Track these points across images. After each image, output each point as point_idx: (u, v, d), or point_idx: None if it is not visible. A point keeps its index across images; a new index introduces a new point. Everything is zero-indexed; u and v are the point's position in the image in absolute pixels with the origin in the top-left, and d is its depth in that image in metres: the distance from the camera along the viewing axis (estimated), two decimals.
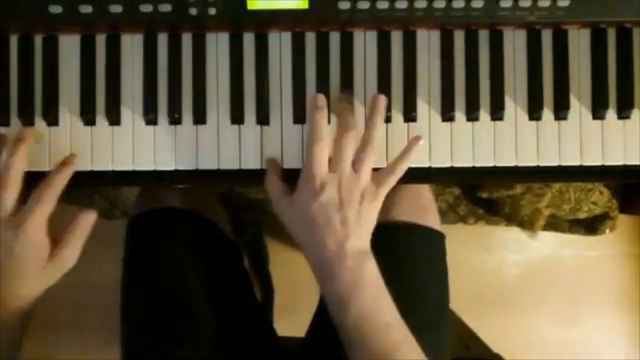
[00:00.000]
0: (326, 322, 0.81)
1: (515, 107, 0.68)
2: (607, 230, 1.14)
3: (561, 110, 0.68)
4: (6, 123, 0.68)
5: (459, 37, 0.68)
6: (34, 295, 0.65)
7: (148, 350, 0.76)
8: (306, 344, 0.82)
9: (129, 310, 0.79)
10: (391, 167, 0.65)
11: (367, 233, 0.64)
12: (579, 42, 0.69)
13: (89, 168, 0.67)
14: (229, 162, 0.68)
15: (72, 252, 0.65)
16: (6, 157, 0.62)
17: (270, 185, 0.66)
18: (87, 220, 0.66)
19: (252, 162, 0.68)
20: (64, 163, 0.66)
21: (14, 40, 0.68)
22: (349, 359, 0.63)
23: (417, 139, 0.66)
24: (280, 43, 0.68)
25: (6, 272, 0.62)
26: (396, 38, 0.68)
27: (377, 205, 0.64)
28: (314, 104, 0.64)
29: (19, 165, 0.63)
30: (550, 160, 0.68)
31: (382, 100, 0.65)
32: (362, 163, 0.63)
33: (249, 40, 0.68)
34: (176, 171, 0.68)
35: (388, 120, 0.68)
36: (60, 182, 0.64)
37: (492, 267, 1.45)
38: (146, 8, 0.64)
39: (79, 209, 0.66)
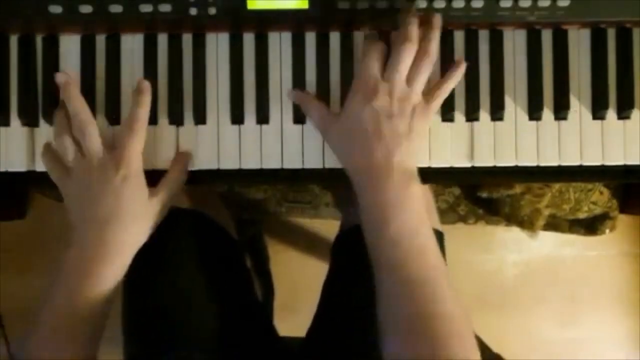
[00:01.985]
0: (327, 321, 0.82)
1: (515, 107, 0.68)
2: (607, 230, 1.14)
3: (561, 110, 0.68)
4: (6, 123, 0.68)
5: (459, 37, 0.68)
6: (138, 239, 0.65)
7: (149, 349, 0.76)
8: (307, 343, 0.82)
9: (131, 309, 0.79)
10: (440, 85, 0.64)
11: (415, 150, 0.63)
12: (579, 42, 0.69)
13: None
14: (229, 162, 0.68)
15: (171, 190, 0.66)
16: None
17: (315, 109, 0.66)
18: (183, 159, 0.67)
19: (252, 162, 0.68)
20: (139, 92, 0.65)
21: (14, 40, 0.68)
22: (377, 283, 0.61)
23: (462, 62, 0.66)
24: (280, 43, 0.68)
25: (109, 210, 0.62)
26: (396, 38, 0.68)
27: (428, 121, 0.64)
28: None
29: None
30: (550, 160, 0.68)
31: (438, 17, 0.64)
32: (417, 74, 0.62)
33: (249, 40, 0.68)
34: None
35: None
36: (143, 109, 0.64)
37: (492, 267, 1.45)
38: (146, 8, 0.64)
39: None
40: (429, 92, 0.64)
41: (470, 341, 0.58)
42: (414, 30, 0.62)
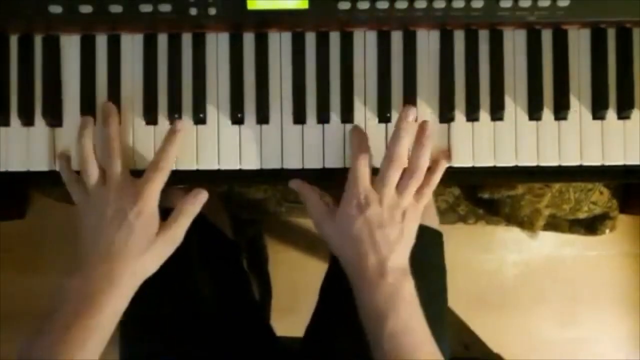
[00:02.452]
0: (324, 321, 0.82)
1: (515, 107, 0.68)
2: (607, 230, 1.14)
3: (561, 110, 0.68)
4: (6, 123, 0.68)
5: (459, 37, 0.68)
6: (144, 273, 0.65)
7: (146, 349, 0.76)
8: (305, 343, 0.82)
9: (128, 310, 0.79)
10: (427, 181, 0.66)
11: (408, 250, 0.66)
12: (579, 42, 0.69)
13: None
14: (229, 162, 0.68)
15: (180, 229, 0.66)
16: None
17: (313, 205, 0.67)
18: (199, 199, 0.67)
19: (252, 162, 0.68)
20: (173, 131, 0.66)
21: (14, 40, 0.68)
22: None
23: (445, 154, 0.67)
24: (280, 43, 0.68)
25: (118, 244, 0.62)
26: (396, 38, 0.68)
27: (418, 221, 0.67)
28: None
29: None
30: (550, 160, 0.68)
31: (428, 126, 0.65)
32: (405, 189, 0.64)
33: (249, 40, 0.68)
34: (176, 171, 0.68)
35: (388, 120, 0.68)
36: (173, 148, 0.65)
37: (492, 267, 1.45)
38: (146, 8, 0.64)
39: (188, 188, 0.67)
40: (418, 192, 0.66)
41: None
42: (403, 149, 0.64)
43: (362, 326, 0.65)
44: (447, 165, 0.67)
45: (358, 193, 0.64)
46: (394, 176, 0.64)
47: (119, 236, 0.62)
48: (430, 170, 0.66)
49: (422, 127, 0.65)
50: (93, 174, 0.64)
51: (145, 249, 0.63)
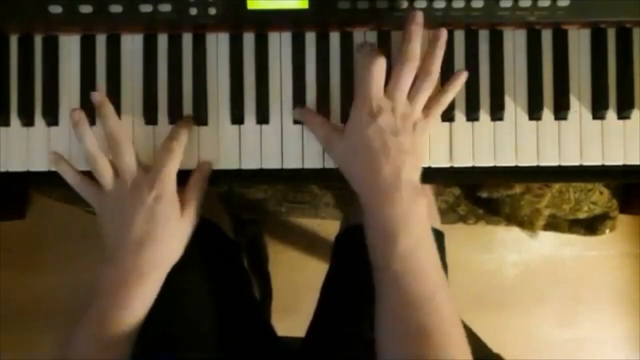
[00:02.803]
0: (325, 321, 0.82)
1: (515, 107, 0.68)
2: (607, 230, 1.14)
3: (561, 110, 0.68)
4: (6, 123, 0.68)
5: (459, 37, 0.68)
6: (172, 257, 0.65)
7: (146, 350, 0.76)
8: (306, 343, 0.82)
9: None
10: (437, 99, 0.65)
11: (420, 164, 0.64)
12: (579, 42, 0.69)
13: (88, 168, 0.67)
14: (229, 162, 0.68)
15: (198, 204, 0.66)
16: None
17: (319, 125, 0.66)
18: (204, 169, 0.67)
19: (252, 162, 0.68)
20: (186, 117, 0.67)
21: (14, 40, 0.68)
22: (379, 298, 0.62)
23: (463, 73, 0.66)
24: (280, 43, 0.68)
25: (144, 232, 0.63)
26: (396, 38, 0.68)
27: (426, 135, 0.65)
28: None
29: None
30: (550, 160, 0.68)
31: (444, 34, 0.64)
32: (418, 93, 0.63)
33: (249, 40, 0.68)
34: (176, 171, 0.68)
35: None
36: (185, 132, 0.65)
37: (492, 267, 1.45)
38: (146, 8, 0.64)
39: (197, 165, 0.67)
40: (427, 106, 0.64)
41: (465, 354, 0.60)
42: (415, 49, 0.62)
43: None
44: (463, 81, 0.66)
45: (370, 99, 0.62)
46: (408, 78, 0.62)
47: (144, 225, 0.62)
48: (444, 88, 0.65)
49: (438, 32, 0.64)
50: (107, 170, 0.64)
51: (172, 231, 0.64)
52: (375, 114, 0.62)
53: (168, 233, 0.64)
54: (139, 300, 0.63)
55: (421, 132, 0.63)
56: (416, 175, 0.63)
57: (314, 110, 0.67)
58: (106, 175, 0.64)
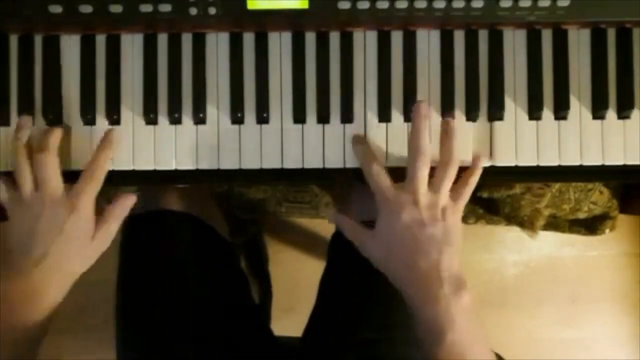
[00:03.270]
0: (323, 321, 0.82)
1: (515, 107, 0.68)
2: (607, 230, 1.14)
3: (561, 110, 0.68)
4: (6, 123, 0.68)
5: (459, 37, 0.68)
6: (77, 272, 0.65)
7: (144, 352, 0.76)
8: (303, 342, 0.82)
9: (124, 312, 0.79)
10: (465, 180, 0.65)
11: (457, 252, 0.62)
12: (579, 42, 0.69)
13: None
14: (229, 162, 0.68)
15: (111, 231, 0.66)
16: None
17: (351, 230, 0.67)
18: (127, 202, 0.67)
19: (252, 162, 0.68)
20: (107, 138, 0.66)
21: (14, 40, 0.68)
22: None
23: (482, 157, 0.66)
24: (280, 43, 0.68)
25: (54, 251, 0.62)
26: (396, 38, 0.68)
27: (459, 218, 0.64)
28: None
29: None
30: (550, 160, 0.68)
31: (452, 123, 0.64)
32: (442, 181, 0.62)
33: (249, 40, 0.68)
34: (176, 171, 0.68)
35: (388, 120, 0.68)
36: (104, 158, 0.65)
37: (492, 267, 1.45)
38: (146, 8, 0.64)
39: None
40: (455, 189, 0.64)
41: None
42: (424, 141, 0.62)
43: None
44: (486, 164, 0.66)
45: (387, 199, 0.62)
46: (424, 171, 0.62)
47: (54, 245, 0.62)
48: (468, 170, 0.65)
49: (445, 123, 0.64)
50: (26, 180, 0.63)
51: (79, 251, 0.64)
52: (397, 211, 0.61)
53: (75, 254, 0.64)
54: (36, 314, 0.62)
55: (452, 217, 0.62)
56: (455, 265, 0.61)
57: (345, 217, 0.68)
58: (26, 185, 0.63)
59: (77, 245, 0.63)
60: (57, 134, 0.65)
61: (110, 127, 0.68)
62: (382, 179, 0.63)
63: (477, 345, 0.60)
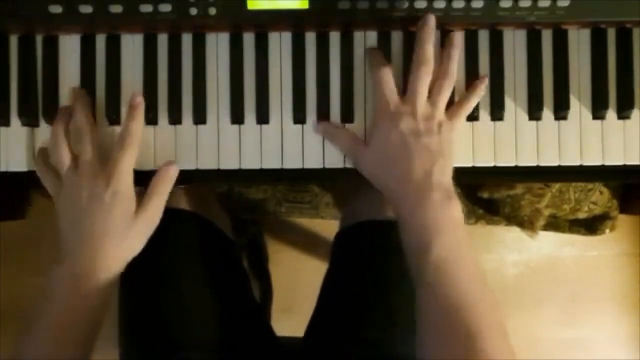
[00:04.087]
0: (325, 321, 0.82)
1: (515, 107, 0.68)
2: (607, 230, 1.14)
3: (561, 110, 0.68)
4: (6, 123, 0.68)
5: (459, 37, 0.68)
6: (127, 256, 0.64)
7: (147, 350, 0.76)
8: (305, 343, 0.82)
9: (128, 311, 0.79)
10: (461, 102, 0.65)
11: (450, 167, 0.62)
12: (579, 42, 0.69)
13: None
14: (229, 162, 0.68)
15: (157, 206, 0.64)
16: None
17: (343, 139, 0.66)
18: (169, 174, 0.65)
19: (252, 162, 0.68)
20: (132, 107, 0.65)
21: (14, 40, 0.68)
22: (418, 299, 0.60)
23: (485, 78, 0.66)
24: (280, 43, 0.68)
25: (98, 226, 0.61)
26: (396, 38, 0.68)
27: (454, 136, 0.64)
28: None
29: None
30: (550, 160, 0.68)
31: (458, 35, 0.65)
32: (438, 94, 0.63)
33: (249, 40, 0.68)
34: None
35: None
36: (136, 123, 0.64)
37: (492, 267, 1.45)
38: (146, 8, 0.64)
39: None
40: (452, 109, 0.64)
41: (508, 351, 0.57)
42: (429, 50, 0.63)
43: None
44: (485, 84, 0.66)
45: (387, 105, 0.62)
46: (425, 81, 0.62)
47: (98, 219, 0.61)
48: (467, 92, 0.66)
49: (452, 35, 0.64)
50: (63, 160, 0.63)
51: (126, 229, 0.63)
52: (395, 120, 0.61)
53: (122, 230, 0.62)
54: (94, 300, 0.61)
55: (447, 132, 0.63)
56: (447, 177, 0.62)
57: (336, 124, 0.67)
58: (63, 164, 0.63)
59: (121, 222, 0.62)
60: (87, 105, 0.64)
61: (110, 127, 0.68)
62: (389, 86, 0.63)
63: (464, 260, 0.59)
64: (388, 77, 0.64)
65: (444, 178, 0.61)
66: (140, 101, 0.65)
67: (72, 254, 0.62)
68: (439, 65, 0.64)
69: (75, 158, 0.64)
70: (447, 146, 0.62)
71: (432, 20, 0.64)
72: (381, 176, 0.64)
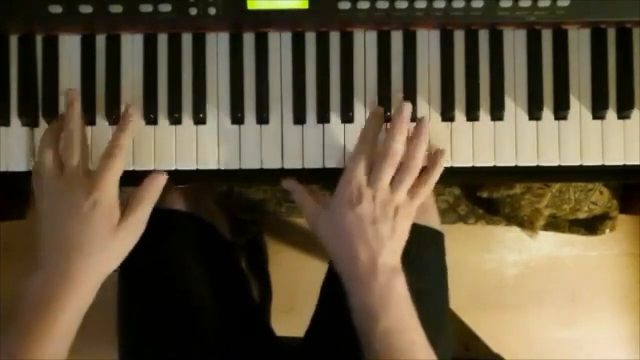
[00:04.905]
0: (325, 322, 0.82)
1: (515, 107, 0.68)
2: (607, 230, 1.14)
3: (561, 110, 0.68)
4: (6, 123, 0.68)
5: (459, 37, 0.68)
6: (108, 268, 0.62)
7: (146, 351, 0.76)
8: (305, 343, 0.82)
9: (126, 311, 0.79)
10: (423, 181, 0.65)
11: (399, 248, 0.65)
12: (579, 42, 0.69)
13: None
14: (230, 162, 0.68)
15: (140, 217, 0.63)
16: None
17: (306, 204, 0.68)
18: (156, 182, 0.64)
19: (252, 162, 0.68)
20: (124, 117, 0.64)
21: (14, 40, 0.68)
22: None
23: (442, 152, 0.66)
24: (280, 43, 0.68)
25: (74, 237, 0.60)
26: (396, 38, 0.68)
27: (410, 220, 0.66)
28: (371, 116, 0.66)
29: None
30: (550, 160, 0.68)
31: (425, 124, 0.65)
32: (400, 184, 0.64)
33: (249, 40, 0.68)
34: (176, 171, 0.68)
35: (387, 120, 0.68)
36: (126, 136, 0.63)
37: (492, 267, 1.45)
38: (146, 8, 0.64)
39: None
40: (413, 189, 0.65)
41: None
42: (399, 148, 0.63)
43: (356, 328, 0.65)
44: (444, 165, 0.67)
45: (351, 188, 0.63)
46: (388, 171, 0.63)
47: (75, 230, 0.60)
48: (427, 169, 0.66)
49: (420, 123, 0.65)
50: (46, 165, 0.62)
51: (106, 241, 0.61)
52: (355, 202, 0.63)
53: (102, 242, 0.61)
54: (67, 311, 0.59)
55: (403, 217, 0.64)
56: (394, 259, 0.64)
57: (303, 186, 0.69)
58: (46, 169, 0.62)
59: (99, 234, 0.60)
60: (75, 112, 0.63)
61: (109, 126, 0.68)
62: (362, 166, 0.63)
63: (409, 332, 0.62)
64: (362, 166, 0.64)
65: (391, 260, 0.64)
66: (132, 112, 0.65)
67: (46, 265, 0.60)
68: (408, 147, 0.64)
69: (61, 164, 0.62)
70: (400, 230, 0.64)
71: (407, 110, 0.64)
72: (333, 249, 0.66)
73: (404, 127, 0.64)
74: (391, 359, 0.61)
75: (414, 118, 0.68)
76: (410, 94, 0.68)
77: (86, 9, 0.64)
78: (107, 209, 0.61)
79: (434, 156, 0.66)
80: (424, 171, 0.66)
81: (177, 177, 0.68)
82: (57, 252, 0.60)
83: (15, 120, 0.68)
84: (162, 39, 0.68)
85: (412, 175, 0.64)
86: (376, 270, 0.62)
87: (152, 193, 0.64)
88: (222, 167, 0.68)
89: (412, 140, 0.64)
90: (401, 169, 0.64)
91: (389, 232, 0.63)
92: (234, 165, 0.68)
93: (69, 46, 0.68)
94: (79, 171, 0.61)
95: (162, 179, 0.65)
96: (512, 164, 0.68)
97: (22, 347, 0.58)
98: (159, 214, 0.80)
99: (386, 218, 0.63)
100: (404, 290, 0.63)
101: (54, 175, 0.62)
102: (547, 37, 0.68)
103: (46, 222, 0.61)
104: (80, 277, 0.60)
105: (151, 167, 0.67)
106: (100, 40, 0.68)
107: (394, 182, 0.64)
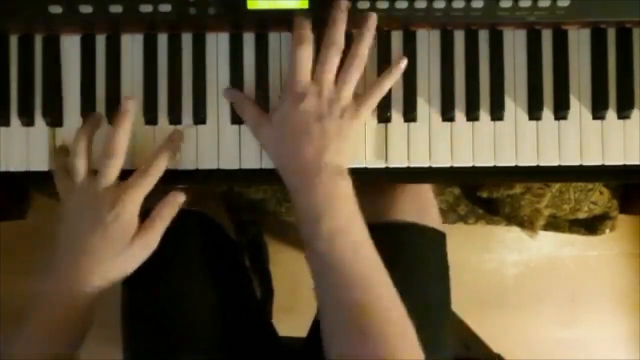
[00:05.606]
0: None
1: (515, 107, 0.68)
2: (607, 230, 1.14)
3: (561, 110, 0.68)
4: (6, 123, 0.68)
5: (459, 37, 0.68)
6: (115, 277, 0.63)
7: (149, 350, 0.76)
8: (307, 343, 0.82)
9: (130, 310, 0.79)
10: (373, 88, 0.64)
11: (346, 150, 0.63)
12: (579, 42, 0.69)
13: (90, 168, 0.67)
14: (229, 162, 0.68)
15: (155, 233, 0.64)
16: (113, 129, 0.63)
17: (248, 110, 0.66)
18: (175, 202, 0.65)
19: (252, 162, 0.68)
20: (170, 140, 0.65)
21: (14, 40, 0.68)
22: (316, 285, 0.62)
23: (402, 59, 0.65)
24: (280, 43, 0.68)
25: (91, 245, 0.61)
26: (396, 38, 0.68)
27: (358, 124, 0.64)
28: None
29: (123, 136, 0.62)
30: (550, 160, 0.68)
31: (374, 17, 0.64)
32: (345, 77, 0.62)
33: (249, 40, 0.68)
34: (176, 171, 0.68)
35: (388, 120, 0.68)
36: (164, 157, 0.64)
37: (492, 267, 1.45)
38: (146, 8, 0.64)
39: (186, 188, 0.66)
40: (360, 96, 0.64)
41: (411, 340, 0.59)
42: (338, 33, 0.62)
43: (298, 231, 0.64)
44: (401, 70, 0.65)
45: (295, 84, 0.62)
46: (333, 61, 0.62)
47: (93, 239, 0.61)
48: (380, 75, 0.65)
49: (368, 17, 0.64)
50: (80, 170, 0.63)
51: (119, 252, 0.62)
52: (299, 99, 0.62)
53: (115, 252, 0.62)
54: (78, 313, 0.62)
55: (350, 118, 0.62)
56: (340, 159, 0.62)
57: (244, 94, 0.67)
58: (79, 174, 0.63)
59: (114, 245, 0.62)
60: (126, 125, 0.63)
61: (108, 127, 0.67)
62: (304, 65, 0.62)
63: (354, 234, 0.61)
64: (307, 57, 0.63)
65: (335, 159, 0.61)
66: (179, 138, 0.66)
67: (60, 270, 0.62)
68: (352, 45, 0.63)
69: (91, 170, 0.63)
70: (347, 131, 0.62)
71: (345, 5, 0.63)
72: (277, 151, 0.64)
73: (343, 17, 0.63)
74: (337, 261, 0.59)
75: (413, 117, 0.68)
76: (410, 94, 0.68)
77: (86, 9, 0.64)
78: (126, 224, 0.62)
79: (392, 64, 0.65)
80: (375, 80, 0.65)
81: (177, 177, 0.68)
82: (71, 256, 0.62)
83: (15, 120, 0.68)
84: (162, 39, 0.68)
85: (356, 69, 0.63)
86: (320, 167, 0.60)
87: (170, 212, 0.65)
88: (222, 167, 0.68)
89: (357, 32, 0.63)
90: (346, 62, 0.63)
91: (335, 130, 0.61)
92: (234, 165, 0.68)
93: (69, 46, 0.68)
94: (108, 182, 0.62)
95: (181, 198, 0.65)
96: (512, 164, 0.68)
97: (34, 351, 0.60)
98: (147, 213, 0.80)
99: (332, 115, 0.62)
100: (349, 190, 0.61)
101: (85, 180, 0.63)
102: (547, 37, 0.68)
103: (68, 223, 0.63)
104: (90, 282, 0.62)
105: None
106: (100, 40, 0.68)
107: (339, 78, 0.63)
